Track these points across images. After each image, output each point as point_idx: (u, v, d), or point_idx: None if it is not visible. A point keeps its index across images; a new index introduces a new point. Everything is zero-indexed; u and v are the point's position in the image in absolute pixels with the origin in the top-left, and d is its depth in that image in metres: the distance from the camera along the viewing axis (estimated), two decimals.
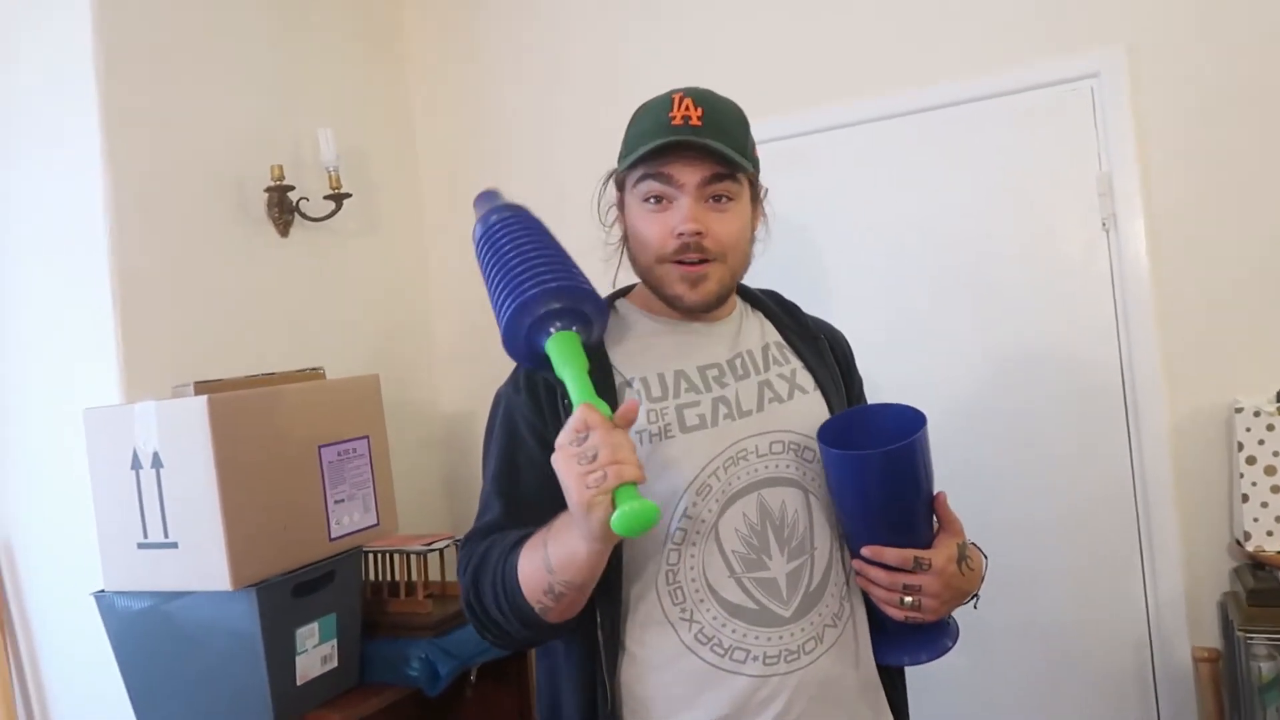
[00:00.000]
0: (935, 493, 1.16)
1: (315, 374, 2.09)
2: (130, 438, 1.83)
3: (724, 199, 1.18)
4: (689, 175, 1.16)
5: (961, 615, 2.09)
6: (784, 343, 1.29)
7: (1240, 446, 1.87)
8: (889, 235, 2.30)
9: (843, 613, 1.19)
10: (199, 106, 2.21)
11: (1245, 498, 1.86)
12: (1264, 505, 1.85)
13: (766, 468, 1.18)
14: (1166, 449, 2.04)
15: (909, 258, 2.28)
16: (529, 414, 1.18)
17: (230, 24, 2.31)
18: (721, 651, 1.13)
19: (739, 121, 1.21)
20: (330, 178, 2.41)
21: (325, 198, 2.42)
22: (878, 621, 1.21)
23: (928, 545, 1.14)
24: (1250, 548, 1.86)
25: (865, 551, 1.14)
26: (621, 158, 1.23)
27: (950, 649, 1.19)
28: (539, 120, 2.70)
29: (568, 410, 1.13)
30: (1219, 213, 2.01)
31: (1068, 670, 2.15)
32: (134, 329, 2.03)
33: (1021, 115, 2.16)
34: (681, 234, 1.16)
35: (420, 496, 2.67)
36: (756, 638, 1.13)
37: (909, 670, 1.29)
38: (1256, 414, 1.86)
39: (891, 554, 1.12)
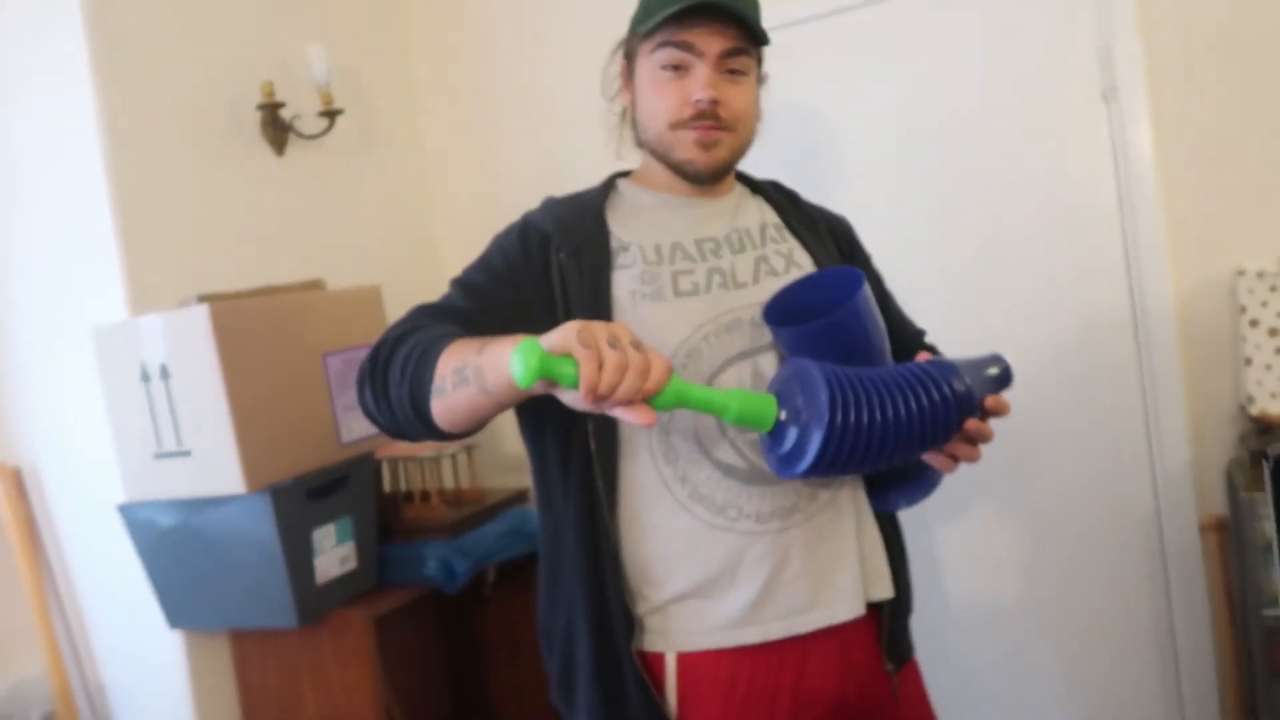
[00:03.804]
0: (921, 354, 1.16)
1: (316, 284, 2.12)
2: (138, 352, 1.87)
3: (738, 73, 1.20)
4: (711, 44, 1.18)
5: (968, 492, 2.11)
6: (782, 224, 1.31)
7: (1243, 310, 1.85)
8: (882, 126, 2.26)
9: None
10: (186, 25, 2.20)
11: (1249, 361, 1.85)
12: (1268, 368, 1.84)
13: (758, 336, 1.19)
14: (1171, 317, 2.02)
15: (903, 147, 2.24)
16: (510, 249, 1.23)
17: None
18: (715, 510, 1.15)
19: (754, 2, 1.23)
20: (322, 94, 2.40)
21: (319, 115, 2.41)
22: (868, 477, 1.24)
23: None
24: (1254, 411, 1.86)
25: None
26: (637, 22, 1.24)
27: (938, 482, 1.21)
28: (540, 30, 2.66)
29: (560, 265, 1.19)
30: (1220, 79, 1.96)
31: (1074, 544, 2.17)
32: (136, 250, 2.05)
33: None
34: (699, 100, 1.17)
35: None
36: (750, 497, 1.15)
37: (911, 537, 1.31)
38: (1260, 275, 1.84)
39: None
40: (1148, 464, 2.10)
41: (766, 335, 1.19)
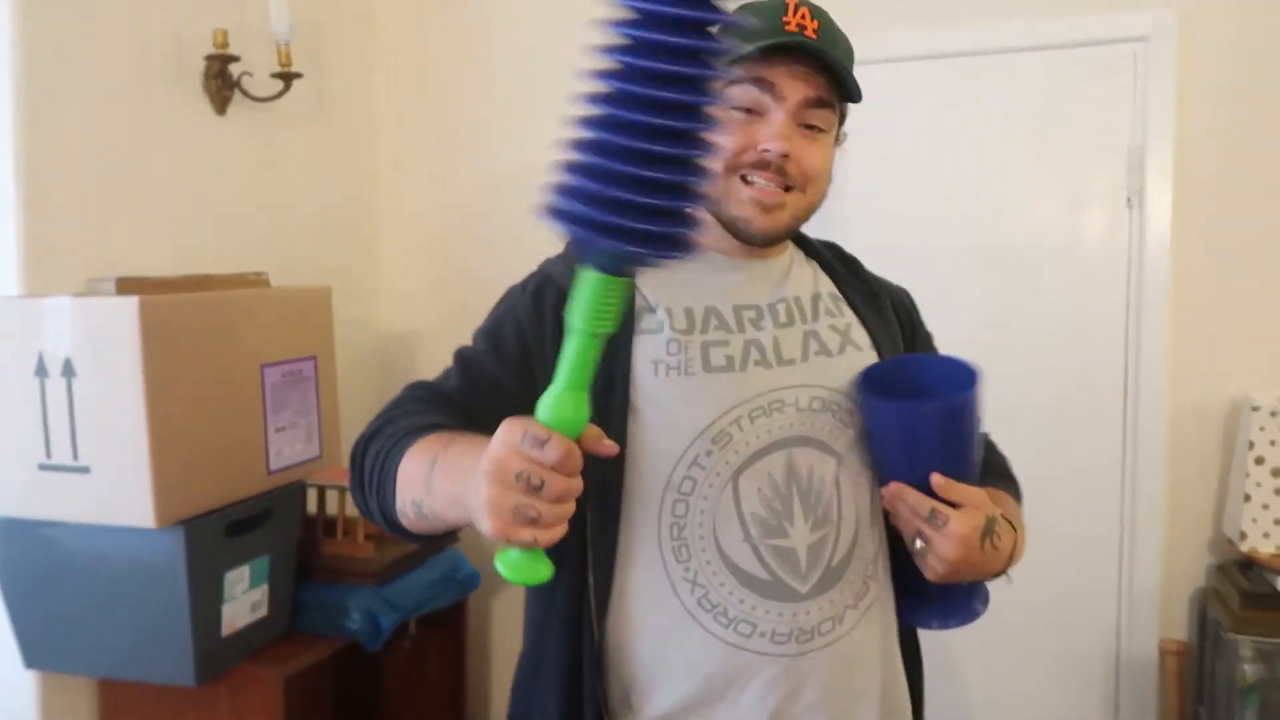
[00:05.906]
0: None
1: (259, 280, 1.82)
2: (37, 338, 1.53)
3: (815, 128, 1.05)
4: (794, 90, 1.02)
5: None
6: (839, 295, 1.16)
7: (1251, 445, 1.81)
8: (905, 184, 2.13)
9: (867, 593, 1.06)
10: None
11: (1248, 497, 1.81)
12: (1265, 507, 1.81)
13: (801, 424, 1.04)
14: (1162, 438, 1.99)
15: (922, 211, 2.13)
16: (525, 317, 1.06)
17: None
18: (726, 622, 1.00)
19: (848, 50, 1.07)
20: (280, 52, 2.09)
21: (272, 75, 2.10)
22: (906, 583, 1.10)
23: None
24: (1245, 547, 1.82)
25: (888, 489, 1.01)
26: None
27: (980, 614, 1.10)
28: (508, 16, 2.42)
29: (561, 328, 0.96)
30: (1247, 199, 1.93)
31: (1033, 647, 2.11)
32: (39, 208, 1.70)
33: (1059, 73, 2.02)
34: (766, 150, 1.01)
35: (354, 422, 2.41)
36: (767, 612, 1.00)
37: None
38: (1274, 414, 1.80)
39: (912, 496, 0.99)
40: (1116, 578, 2.05)
41: (812, 424, 1.04)
